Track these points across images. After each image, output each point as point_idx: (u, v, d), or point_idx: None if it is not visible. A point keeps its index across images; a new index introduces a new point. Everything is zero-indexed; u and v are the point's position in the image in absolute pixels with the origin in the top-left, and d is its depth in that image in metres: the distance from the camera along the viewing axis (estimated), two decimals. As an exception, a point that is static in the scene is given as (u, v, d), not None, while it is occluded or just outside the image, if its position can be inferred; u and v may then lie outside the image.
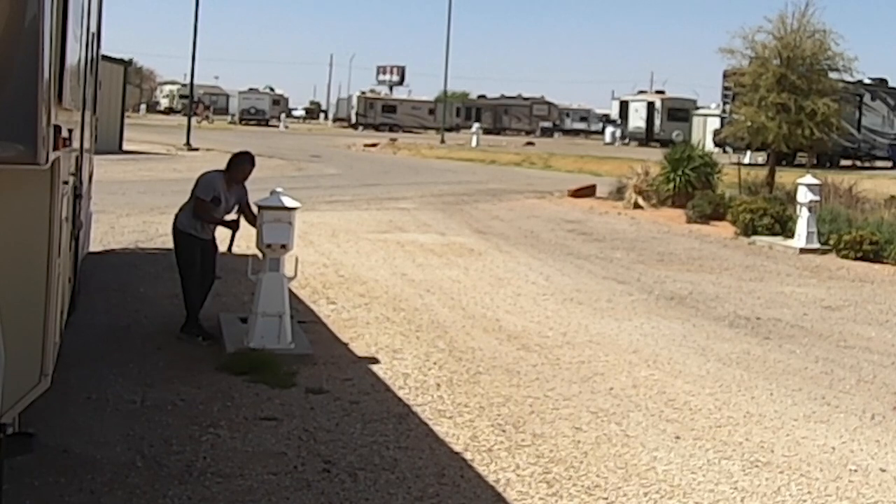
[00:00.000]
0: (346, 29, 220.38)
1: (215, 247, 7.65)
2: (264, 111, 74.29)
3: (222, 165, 7.72)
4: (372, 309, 8.98)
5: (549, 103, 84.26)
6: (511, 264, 12.23)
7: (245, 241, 7.95)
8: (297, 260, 7.59)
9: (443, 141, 53.73)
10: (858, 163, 41.04)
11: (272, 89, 79.80)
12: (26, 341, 3.52)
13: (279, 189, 7.32)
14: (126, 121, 32.97)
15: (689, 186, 19.53)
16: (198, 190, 7.43)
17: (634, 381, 6.97)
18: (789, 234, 15.44)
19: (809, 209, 14.80)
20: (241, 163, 7.60)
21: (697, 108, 55.70)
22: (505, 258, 12.71)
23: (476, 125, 58.63)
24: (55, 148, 3.48)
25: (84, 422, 5.38)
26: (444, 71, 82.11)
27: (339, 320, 8.42)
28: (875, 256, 13.98)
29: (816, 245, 14.69)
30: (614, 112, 66.61)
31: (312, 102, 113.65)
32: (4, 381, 3.26)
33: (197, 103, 63.25)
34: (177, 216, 7.58)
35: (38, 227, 3.60)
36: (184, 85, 74.80)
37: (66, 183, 4.57)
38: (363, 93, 78.82)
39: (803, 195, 14.90)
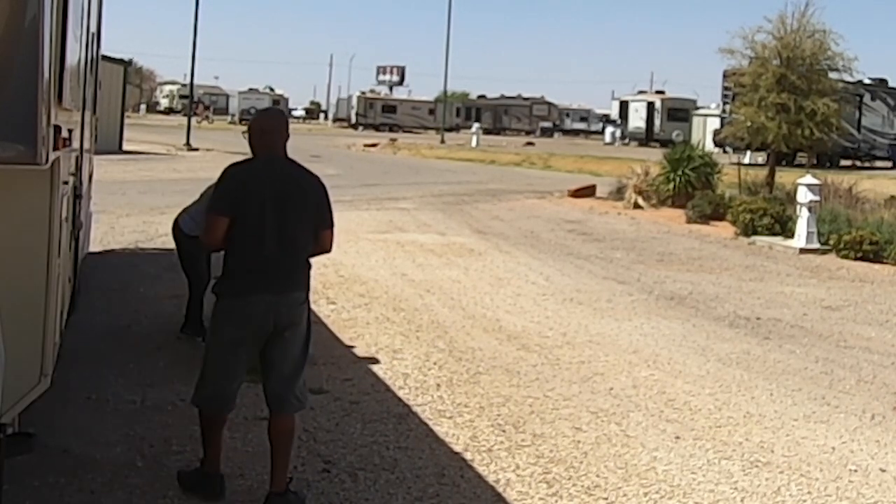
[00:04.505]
0: (346, 29, 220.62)
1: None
2: (264, 111, 74.19)
3: (223, 166, 7.68)
4: (372, 309, 8.99)
5: (549, 103, 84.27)
6: (511, 264, 12.23)
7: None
8: (297, 260, 7.58)
9: (443, 141, 53.74)
10: (858, 163, 41.03)
11: (272, 89, 79.84)
12: (26, 341, 3.52)
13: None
14: (126, 121, 32.96)
15: (689, 186, 19.53)
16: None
17: (634, 381, 6.97)
18: (789, 234, 15.44)
19: (809, 209, 14.80)
20: None
21: (697, 108, 55.71)
22: (505, 258, 12.71)
23: (476, 125, 58.63)
24: (55, 148, 3.48)
25: (84, 422, 5.38)
26: (444, 71, 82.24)
27: (339, 320, 8.42)
28: (875, 256, 13.98)
29: (816, 245, 14.69)
30: (614, 112, 66.62)
31: (312, 102, 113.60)
32: (4, 381, 3.26)
33: (197, 103, 63.25)
34: (180, 218, 7.49)
35: (38, 227, 3.60)
36: (184, 85, 74.80)
37: (66, 183, 4.57)
38: (363, 93, 78.81)
39: (803, 195, 14.90)
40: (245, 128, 4.55)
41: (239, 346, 4.31)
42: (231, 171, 4.39)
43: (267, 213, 4.25)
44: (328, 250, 4.61)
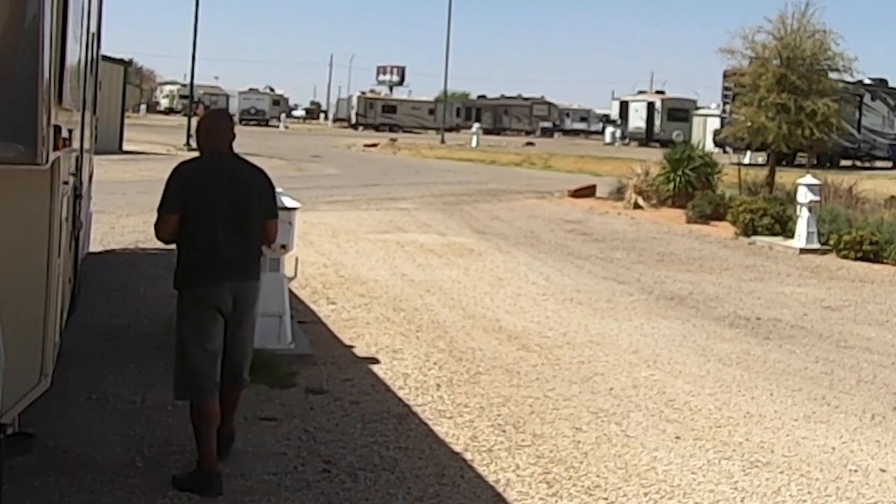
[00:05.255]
0: (346, 29, 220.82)
1: None
2: (264, 111, 74.24)
3: None
4: (372, 309, 8.98)
5: (549, 103, 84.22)
6: (511, 264, 12.23)
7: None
8: (297, 260, 7.59)
9: (443, 141, 53.74)
10: (858, 163, 41.02)
11: (272, 89, 79.79)
12: (26, 341, 3.52)
13: (279, 189, 7.29)
14: (126, 121, 32.97)
15: (689, 186, 19.52)
16: None
17: (634, 381, 6.97)
18: (789, 234, 15.44)
19: (809, 209, 14.80)
20: None
21: (697, 109, 55.74)
22: (505, 258, 12.71)
23: (476, 125, 58.62)
24: (55, 148, 3.48)
25: (84, 422, 5.38)
26: (444, 71, 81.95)
27: (339, 320, 8.42)
28: (875, 256, 13.98)
29: (816, 245, 14.69)
30: (614, 112, 66.63)
31: (313, 103, 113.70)
32: (4, 381, 3.26)
33: (197, 103, 63.02)
34: None
35: (38, 227, 3.60)
36: (184, 85, 74.80)
37: (66, 183, 4.58)
38: (363, 93, 78.85)
39: (803, 195, 14.90)
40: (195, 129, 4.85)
41: (211, 329, 4.59)
42: (179, 170, 4.67)
43: (218, 206, 4.55)
44: (273, 240, 4.94)
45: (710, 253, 14.37)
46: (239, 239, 4.62)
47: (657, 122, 59.86)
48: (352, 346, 7.53)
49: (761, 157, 28.98)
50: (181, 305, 4.63)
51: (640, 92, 68.14)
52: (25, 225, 3.54)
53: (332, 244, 12.93)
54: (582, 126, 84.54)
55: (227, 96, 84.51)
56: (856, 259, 13.99)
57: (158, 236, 4.68)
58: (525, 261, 12.60)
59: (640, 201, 19.96)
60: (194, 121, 42.70)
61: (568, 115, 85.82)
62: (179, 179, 4.63)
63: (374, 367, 6.93)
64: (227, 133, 4.75)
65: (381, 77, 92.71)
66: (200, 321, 4.57)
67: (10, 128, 3.17)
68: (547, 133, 77.33)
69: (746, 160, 28.65)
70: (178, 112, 79.32)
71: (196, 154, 4.94)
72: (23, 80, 3.17)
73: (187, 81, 49.67)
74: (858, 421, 6.30)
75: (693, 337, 8.57)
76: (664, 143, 41.76)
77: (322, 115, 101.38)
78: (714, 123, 43.71)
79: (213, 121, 4.91)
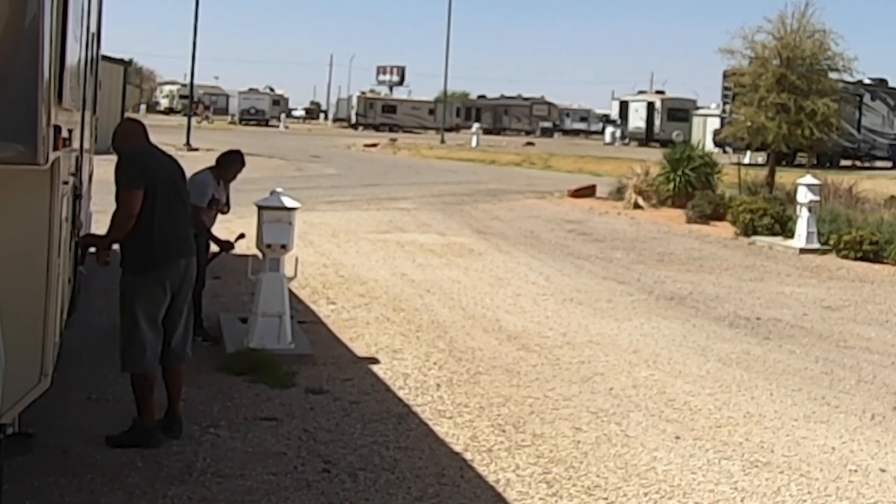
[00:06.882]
0: (346, 29, 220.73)
1: (208, 247, 7.60)
2: (264, 111, 74.19)
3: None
4: (372, 309, 8.99)
5: (549, 103, 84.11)
6: (511, 264, 12.23)
7: (245, 241, 7.96)
8: (297, 260, 7.59)
9: (443, 141, 53.70)
10: (858, 163, 41.01)
11: (272, 89, 79.73)
12: (26, 341, 3.52)
13: (279, 189, 7.31)
14: (126, 121, 32.91)
15: (689, 186, 19.52)
16: (192, 196, 6.84)
17: (634, 381, 6.97)
18: (789, 234, 15.44)
19: (809, 209, 14.80)
20: (233, 162, 7.50)
21: (697, 108, 55.68)
22: (505, 258, 12.71)
23: (476, 125, 58.52)
24: (55, 148, 3.48)
25: (84, 422, 5.38)
26: (444, 71, 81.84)
27: (339, 320, 8.42)
28: (875, 256, 13.98)
29: (816, 245, 14.69)
30: (614, 112, 66.56)
31: (312, 103, 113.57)
32: (4, 381, 3.26)
33: (197, 103, 63.19)
34: None
35: (38, 227, 3.60)
36: (184, 85, 74.75)
37: (66, 183, 4.57)
38: (363, 93, 78.76)
39: (803, 195, 14.90)
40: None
41: (162, 307, 5.06)
42: (130, 156, 5.07)
43: (169, 187, 5.03)
44: None
45: (710, 253, 14.37)
46: (185, 217, 5.20)
47: (657, 122, 59.81)
48: (352, 346, 7.53)
49: (761, 157, 28.97)
50: (135, 287, 5.01)
51: (640, 92, 68.07)
52: (25, 225, 3.54)
53: (332, 244, 12.94)
54: (582, 126, 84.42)
55: (227, 96, 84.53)
56: (856, 259, 13.99)
57: (130, 213, 4.96)
58: (525, 261, 12.61)
59: (640, 201, 19.96)
60: (195, 121, 42.80)
61: (568, 115, 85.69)
62: (135, 160, 5.04)
63: (374, 367, 6.94)
64: (144, 131, 5.29)
65: (381, 77, 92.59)
66: (156, 300, 4.98)
67: (10, 128, 3.16)
68: (547, 133, 77.22)
69: (746, 160, 28.64)
70: (178, 112, 79.22)
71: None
72: (23, 80, 3.17)
73: (187, 81, 49.65)
74: (858, 421, 6.31)
75: (693, 337, 8.57)
76: (664, 143, 41.71)
77: (322, 115, 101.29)
78: (714, 123, 43.68)
79: (130, 123, 5.51)
